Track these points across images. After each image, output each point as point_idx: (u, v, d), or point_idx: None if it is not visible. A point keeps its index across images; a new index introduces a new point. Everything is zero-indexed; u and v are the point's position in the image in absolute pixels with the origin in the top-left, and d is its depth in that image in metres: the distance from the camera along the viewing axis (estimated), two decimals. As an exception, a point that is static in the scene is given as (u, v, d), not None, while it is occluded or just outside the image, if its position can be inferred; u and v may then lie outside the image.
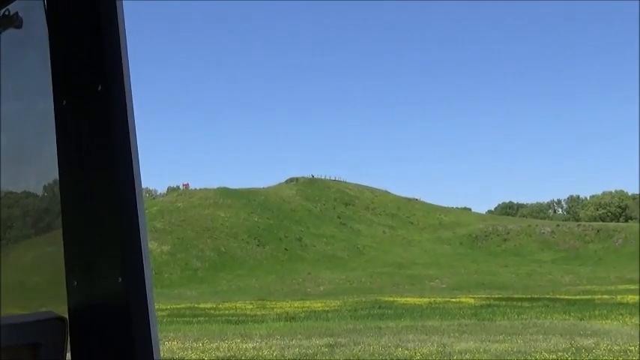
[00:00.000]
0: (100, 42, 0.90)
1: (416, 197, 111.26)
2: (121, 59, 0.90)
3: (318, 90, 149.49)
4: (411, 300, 39.29)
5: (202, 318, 29.07)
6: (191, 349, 17.16)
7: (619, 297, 36.67)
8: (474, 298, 40.79)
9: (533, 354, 15.17)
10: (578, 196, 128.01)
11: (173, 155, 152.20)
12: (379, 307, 33.06)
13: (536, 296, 41.01)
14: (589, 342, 16.84)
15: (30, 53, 1.14)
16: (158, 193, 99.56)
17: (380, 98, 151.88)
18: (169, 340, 19.28)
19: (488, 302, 35.78)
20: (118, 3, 0.91)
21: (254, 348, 17.15)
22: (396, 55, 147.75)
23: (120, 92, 0.90)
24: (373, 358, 15.13)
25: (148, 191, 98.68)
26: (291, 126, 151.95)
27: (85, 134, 0.92)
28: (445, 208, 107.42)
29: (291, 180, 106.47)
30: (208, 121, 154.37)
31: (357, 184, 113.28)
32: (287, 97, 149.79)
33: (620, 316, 24.88)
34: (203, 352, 16.52)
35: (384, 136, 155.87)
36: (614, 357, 14.54)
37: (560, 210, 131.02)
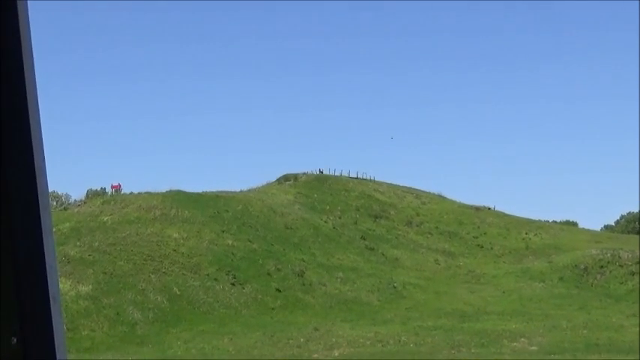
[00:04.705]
0: None
1: (488, 206, 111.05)
2: (17, 8, 0.99)
3: (330, 48, 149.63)
4: (481, 371, 38.98)
5: (142, 401, 28.90)
6: None
7: None
8: (583, 367, 40.44)
9: None
10: None
11: (96, 142, 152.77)
12: (429, 383, 32.85)
13: (685, 364, 40.57)
14: None
15: None
16: (72, 201, 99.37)
17: (431, 60, 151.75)
18: None
19: (607, 374, 35.46)
20: None
21: None
22: None
23: (14, 49, 0.96)
24: None
25: (56, 197, 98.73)
26: (287, 100, 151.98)
27: None
28: (535, 222, 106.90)
29: (286, 178, 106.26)
30: (150, 92, 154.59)
31: (393, 185, 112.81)
32: (279, 59, 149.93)
33: None
34: None
35: (435, 116, 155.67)
36: None
37: None
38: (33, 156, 0.88)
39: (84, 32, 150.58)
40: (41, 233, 0.84)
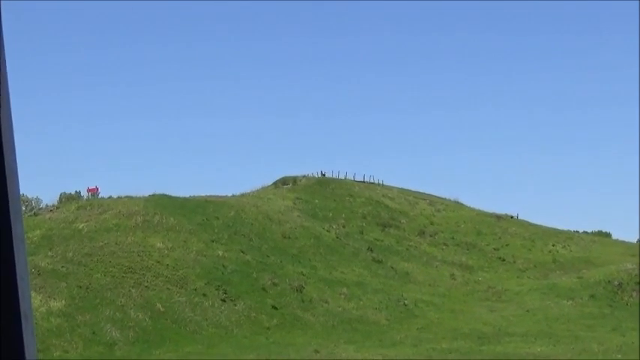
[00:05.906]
0: None
1: (511, 214, 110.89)
2: None
3: (334, 43, 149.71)
4: (503, 400, 38.51)
5: None
6: None
7: None
8: (619, 396, 39.99)
9: None
10: None
11: (70, 140, 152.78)
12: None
13: None
14: None
15: None
16: (43, 205, 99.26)
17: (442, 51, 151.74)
18: None
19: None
20: None
21: None
22: None
23: None
24: None
25: (25, 201, 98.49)
26: (284, 97, 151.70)
27: None
28: (563, 232, 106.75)
29: (284, 182, 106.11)
30: (134, 90, 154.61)
31: (404, 190, 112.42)
32: (276, 55, 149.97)
33: None
34: None
35: (451, 116, 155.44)
36: None
37: None
38: (3, 157, 0.85)
39: (61, 32, 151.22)
40: (12, 243, 0.81)
